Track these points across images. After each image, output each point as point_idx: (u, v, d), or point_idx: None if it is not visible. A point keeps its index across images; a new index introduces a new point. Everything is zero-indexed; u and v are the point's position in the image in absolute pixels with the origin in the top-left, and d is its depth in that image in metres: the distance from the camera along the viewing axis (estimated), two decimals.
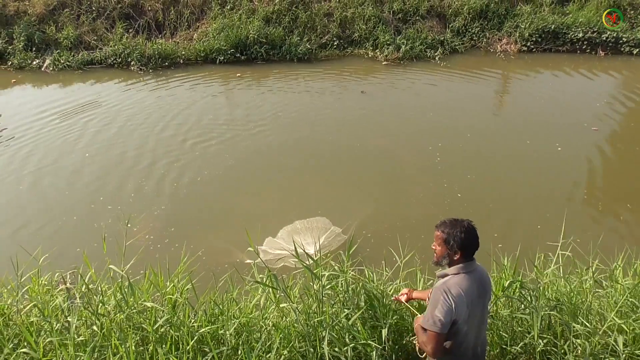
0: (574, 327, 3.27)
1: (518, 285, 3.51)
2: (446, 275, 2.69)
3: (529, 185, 7.83)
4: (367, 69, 13.08)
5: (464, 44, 14.16)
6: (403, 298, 3.20)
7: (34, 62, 12.72)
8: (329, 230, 6.33)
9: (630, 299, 3.44)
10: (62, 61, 12.62)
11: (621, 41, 13.76)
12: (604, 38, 13.81)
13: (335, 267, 3.49)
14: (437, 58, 13.48)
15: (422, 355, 2.91)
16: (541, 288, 3.49)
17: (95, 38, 13.40)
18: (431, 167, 8.29)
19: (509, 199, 7.49)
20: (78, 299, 3.62)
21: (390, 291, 3.69)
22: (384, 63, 13.32)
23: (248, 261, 3.58)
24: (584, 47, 13.92)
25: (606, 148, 9.15)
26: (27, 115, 10.27)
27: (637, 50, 13.64)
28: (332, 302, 3.39)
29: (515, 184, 7.89)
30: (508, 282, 3.50)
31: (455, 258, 2.68)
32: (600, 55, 13.81)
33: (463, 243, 2.64)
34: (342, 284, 3.40)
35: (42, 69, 12.60)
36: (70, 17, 13.60)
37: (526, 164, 8.47)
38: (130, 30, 13.62)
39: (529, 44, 14.03)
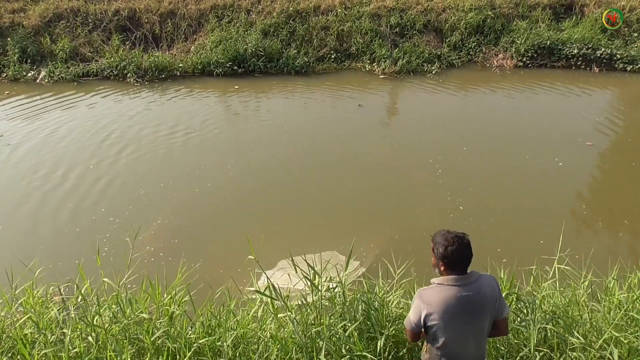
0: (569, 340, 3.28)
1: (514, 298, 3.52)
2: (433, 283, 2.73)
3: (530, 199, 7.86)
4: (364, 82, 13.17)
5: (461, 59, 14.30)
6: None
7: (29, 74, 12.71)
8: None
9: (630, 313, 3.45)
10: (57, 73, 12.62)
11: (615, 58, 13.94)
12: (599, 54, 13.99)
13: (335, 279, 3.48)
14: (433, 72, 13.60)
15: None
16: (537, 301, 3.49)
17: (91, 50, 13.44)
18: (433, 180, 8.33)
19: (511, 212, 7.52)
20: (72, 310, 3.60)
21: (389, 302, 3.70)
22: (381, 77, 13.42)
23: (251, 289, 3.57)
24: (578, 63, 14.09)
25: (603, 163, 9.24)
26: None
27: (631, 67, 13.82)
28: (330, 314, 3.38)
29: (516, 198, 7.93)
30: (504, 294, 3.51)
31: (441, 269, 2.73)
32: (595, 72, 13.98)
33: (444, 254, 2.67)
34: (340, 295, 3.40)
35: (37, 81, 12.59)
36: (66, 29, 13.64)
37: (526, 178, 8.51)
38: (127, 43, 13.69)
39: (524, 59, 14.19)
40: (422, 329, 2.73)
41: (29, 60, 13.01)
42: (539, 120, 10.98)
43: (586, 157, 9.28)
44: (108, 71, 12.88)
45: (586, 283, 3.91)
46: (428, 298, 2.65)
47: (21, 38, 13.14)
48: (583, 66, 14.10)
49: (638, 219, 7.42)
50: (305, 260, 3.45)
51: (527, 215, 7.40)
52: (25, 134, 9.89)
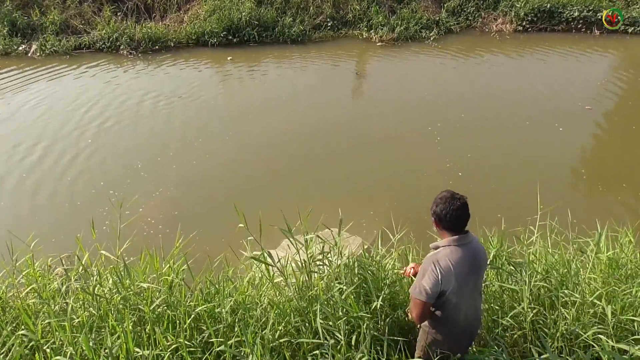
0: (562, 296, 3.33)
1: (506, 257, 3.57)
2: (438, 247, 2.73)
3: (530, 165, 7.86)
4: (361, 50, 12.98)
5: (459, 24, 14.07)
6: (411, 272, 3.24)
7: (20, 48, 12.47)
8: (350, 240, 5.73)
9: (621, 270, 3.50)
10: (48, 46, 12.39)
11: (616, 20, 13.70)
12: (600, 17, 13.73)
13: (326, 241, 3.51)
14: (432, 38, 13.39)
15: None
16: (529, 260, 3.54)
17: (83, 22, 13.17)
18: (432, 147, 8.32)
19: (511, 178, 7.53)
20: (74, 281, 3.64)
21: (385, 266, 3.74)
22: (378, 44, 13.22)
23: (246, 254, 3.59)
24: (579, 27, 13.87)
25: (603, 127, 9.19)
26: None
27: (632, 29, 13.59)
28: (323, 276, 3.43)
29: (516, 164, 7.93)
30: (493, 252, 3.56)
31: (441, 230, 2.74)
32: (596, 35, 13.77)
33: (440, 215, 2.69)
34: (336, 259, 3.44)
35: (29, 55, 12.37)
36: (55, 0, 13.31)
37: (526, 144, 8.50)
38: (119, 14, 13.41)
39: (524, 23, 13.96)
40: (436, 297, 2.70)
41: (19, 34, 12.75)
42: (539, 85, 10.88)
43: (586, 122, 9.23)
44: (100, 43, 12.66)
45: (587, 244, 3.94)
46: (442, 261, 2.63)
47: (9, 11, 12.82)
48: (584, 29, 13.88)
49: (636, 181, 7.44)
50: (301, 231, 3.47)
51: (527, 181, 7.38)
52: (17, 108, 9.79)
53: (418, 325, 2.95)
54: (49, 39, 12.54)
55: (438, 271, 2.60)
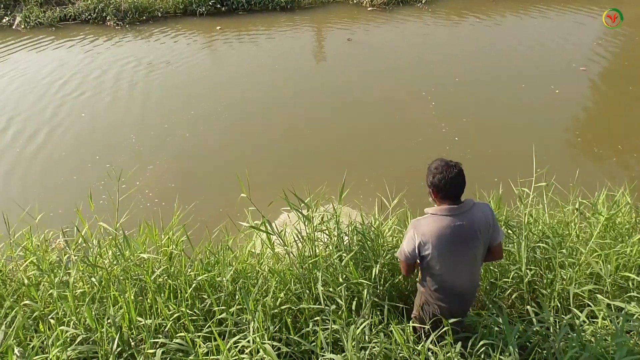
0: (558, 257, 3.37)
1: (503, 220, 3.59)
2: (427, 213, 2.72)
3: (527, 129, 7.80)
4: (352, 15, 12.73)
5: None
6: None
7: (4, 20, 12.10)
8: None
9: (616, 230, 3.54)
10: (33, 18, 12.00)
11: None
12: None
13: (327, 211, 3.52)
14: (423, 2, 13.13)
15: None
16: (526, 222, 3.56)
17: None
18: (428, 113, 8.25)
19: (508, 142, 7.48)
20: (73, 254, 3.64)
21: (384, 232, 3.77)
22: (369, 9, 12.95)
23: (246, 224, 3.57)
24: None
25: (600, 88, 9.14)
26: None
27: None
28: (326, 245, 3.45)
29: (513, 128, 7.87)
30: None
31: (438, 200, 2.71)
32: None
33: (435, 183, 2.65)
34: (335, 227, 3.45)
35: (13, 28, 12.02)
36: None
37: (522, 107, 8.41)
38: None
39: None
40: (417, 260, 2.75)
41: (1, 6, 12.34)
42: (535, 46, 10.75)
43: (582, 83, 9.17)
44: (86, 14, 12.28)
45: (585, 205, 3.97)
46: (422, 228, 2.64)
47: None
48: None
49: (631, 143, 7.45)
50: (299, 198, 3.46)
51: (524, 144, 7.32)
52: (4, 83, 9.58)
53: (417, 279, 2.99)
54: (33, 11, 12.15)
55: (415, 236, 2.66)
